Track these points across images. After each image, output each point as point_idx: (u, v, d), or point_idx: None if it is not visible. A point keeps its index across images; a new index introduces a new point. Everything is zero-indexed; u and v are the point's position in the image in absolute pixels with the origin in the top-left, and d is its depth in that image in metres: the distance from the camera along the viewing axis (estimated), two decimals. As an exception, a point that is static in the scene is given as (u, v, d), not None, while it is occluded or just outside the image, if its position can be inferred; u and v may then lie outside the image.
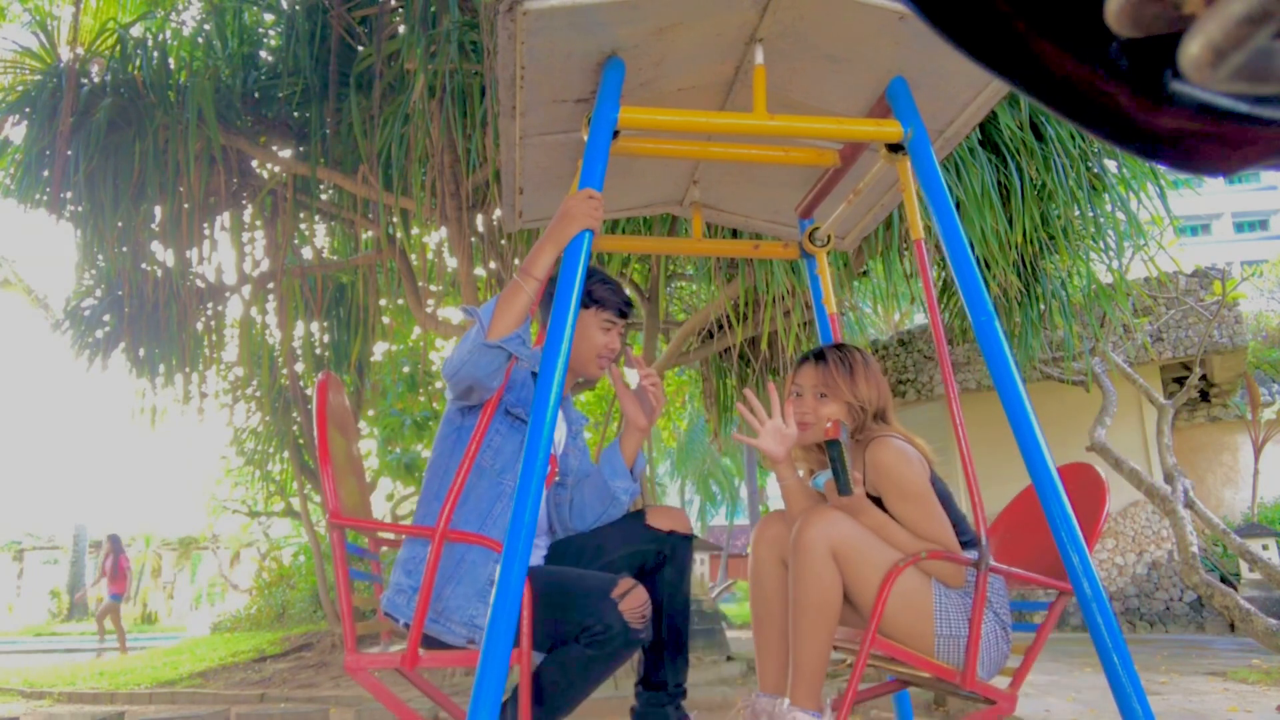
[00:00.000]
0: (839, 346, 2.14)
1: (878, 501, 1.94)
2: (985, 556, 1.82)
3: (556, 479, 2.26)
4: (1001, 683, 1.89)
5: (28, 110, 5.83)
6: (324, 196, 6.75)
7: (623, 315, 2.26)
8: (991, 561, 1.82)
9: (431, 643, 1.95)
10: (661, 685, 2.08)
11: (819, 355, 2.13)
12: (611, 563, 2.08)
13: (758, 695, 1.97)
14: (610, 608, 1.81)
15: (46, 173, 5.88)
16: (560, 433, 2.28)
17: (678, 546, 2.12)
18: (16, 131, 6.04)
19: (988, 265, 4.95)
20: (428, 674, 4.86)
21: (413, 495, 11.25)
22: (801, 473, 2.18)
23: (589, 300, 2.22)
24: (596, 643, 1.80)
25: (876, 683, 2.36)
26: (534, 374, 2.17)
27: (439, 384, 9.98)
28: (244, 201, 6.73)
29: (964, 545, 1.89)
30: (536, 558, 2.15)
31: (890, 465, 1.91)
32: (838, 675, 5.08)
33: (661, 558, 2.10)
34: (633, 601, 1.83)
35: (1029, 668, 1.92)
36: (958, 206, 4.46)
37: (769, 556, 2.06)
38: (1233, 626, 7.55)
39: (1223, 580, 7.34)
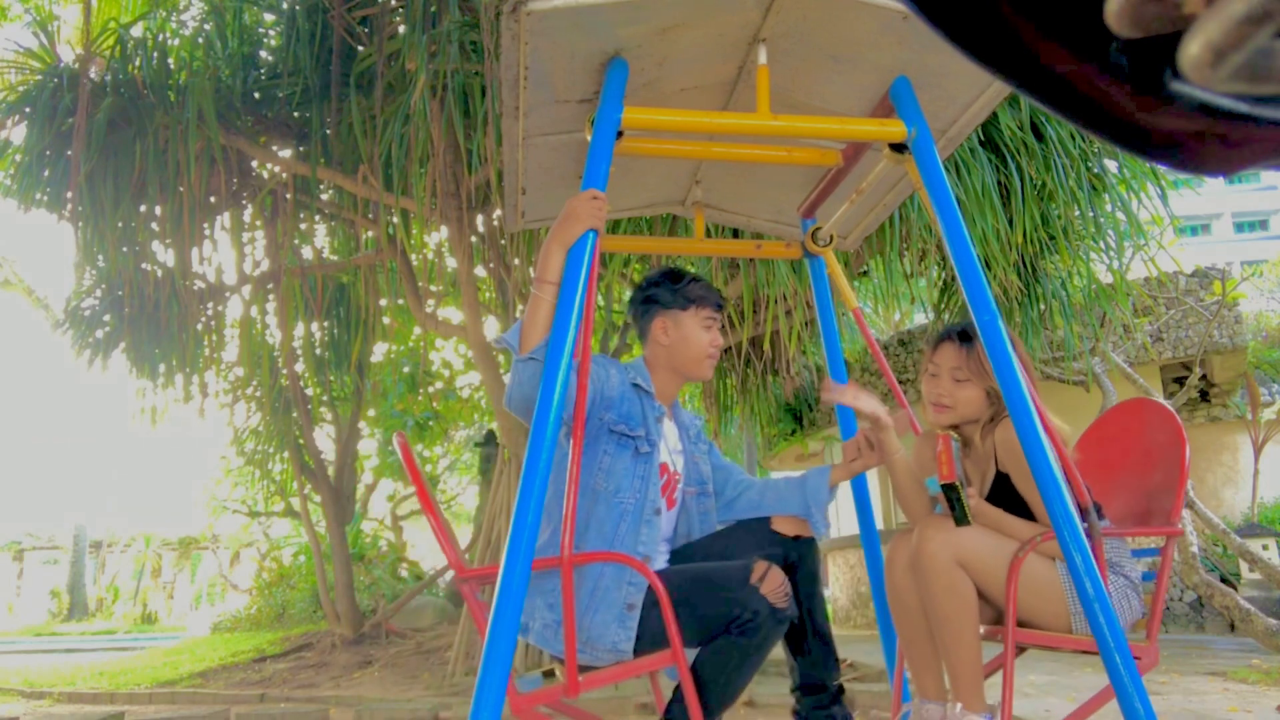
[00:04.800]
0: None
1: (1006, 480, 1.95)
2: (1095, 525, 1.83)
3: (695, 489, 2.26)
4: (1137, 639, 1.93)
5: (28, 110, 5.83)
6: (324, 196, 6.75)
7: (720, 308, 2.26)
8: (1102, 527, 1.85)
9: (581, 668, 1.96)
10: (821, 687, 2.10)
11: (963, 335, 2.07)
12: None
13: (923, 702, 2.00)
14: (753, 593, 1.83)
15: (47, 173, 5.88)
16: (674, 442, 2.25)
17: (805, 551, 2.13)
18: (17, 132, 6.05)
19: (988, 265, 4.95)
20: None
21: (414, 495, 11.23)
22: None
23: (686, 301, 2.21)
24: (748, 630, 1.82)
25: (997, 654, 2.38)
26: (635, 384, 2.16)
27: (439, 384, 9.98)
28: (244, 201, 6.73)
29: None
30: (660, 564, 2.15)
31: (1019, 446, 1.91)
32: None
33: (790, 562, 2.09)
34: (773, 582, 1.85)
35: (1159, 615, 1.95)
36: (958, 206, 4.46)
37: (905, 577, 2.06)
38: (1233, 626, 7.55)
39: (1223, 580, 7.33)
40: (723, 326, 2.38)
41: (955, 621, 1.87)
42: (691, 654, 1.90)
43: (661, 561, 2.16)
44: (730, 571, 1.91)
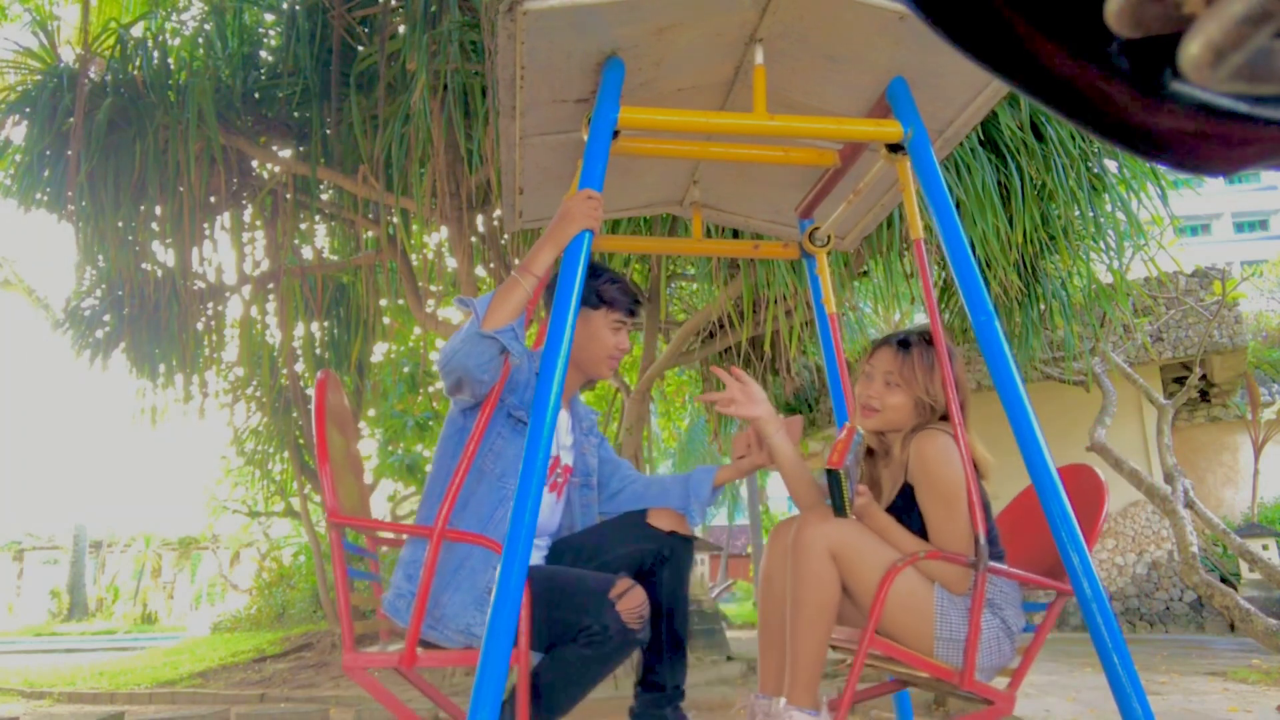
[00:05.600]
0: (924, 336, 2.03)
1: (911, 491, 1.94)
2: (982, 557, 1.79)
3: (579, 481, 2.26)
4: (1001, 683, 1.89)
5: (28, 110, 5.83)
6: (324, 196, 6.75)
7: (632, 314, 2.26)
8: (988, 563, 1.80)
9: (429, 645, 1.96)
10: (660, 686, 2.07)
11: (902, 342, 2.05)
12: (610, 562, 2.07)
13: (756, 696, 1.96)
14: (608, 608, 1.82)
15: (47, 173, 5.88)
16: (566, 434, 2.25)
17: (677, 548, 2.10)
18: (17, 132, 6.04)
19: (988, 265, 4.95)
20: (427, 674, 4.86)
21: (414, 495, 11.25)
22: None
23: (598, 300, 2.20)
24: (594, 643, 1.81)
25: (876, 682, 2.36)
26: (538, 373, 2.16)
27: (439, 384, 9.97)
28: (244, 201, 6.73)
29: (994, 557, 1.84)
30: (537, 557, 2.15)
31: (931, 460, 1.88)
32: (838, 675, 5.07)
33: (660, 558, 2.08)
34: (630, 602, 1.84)
35: (1027, 668, 1.92)
36: (958, 207, 4.46)
37: (778, 563, 2.03)
38: (1233, 626, 7.55)
39: (1223, 580, 7.34)
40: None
41: (810, 611, 1.83)
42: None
43: (538, 555, 2.15)
44: (592, 582, 1.89)
